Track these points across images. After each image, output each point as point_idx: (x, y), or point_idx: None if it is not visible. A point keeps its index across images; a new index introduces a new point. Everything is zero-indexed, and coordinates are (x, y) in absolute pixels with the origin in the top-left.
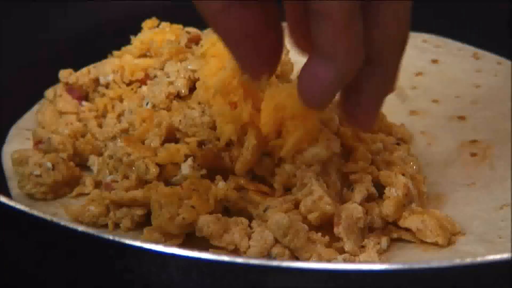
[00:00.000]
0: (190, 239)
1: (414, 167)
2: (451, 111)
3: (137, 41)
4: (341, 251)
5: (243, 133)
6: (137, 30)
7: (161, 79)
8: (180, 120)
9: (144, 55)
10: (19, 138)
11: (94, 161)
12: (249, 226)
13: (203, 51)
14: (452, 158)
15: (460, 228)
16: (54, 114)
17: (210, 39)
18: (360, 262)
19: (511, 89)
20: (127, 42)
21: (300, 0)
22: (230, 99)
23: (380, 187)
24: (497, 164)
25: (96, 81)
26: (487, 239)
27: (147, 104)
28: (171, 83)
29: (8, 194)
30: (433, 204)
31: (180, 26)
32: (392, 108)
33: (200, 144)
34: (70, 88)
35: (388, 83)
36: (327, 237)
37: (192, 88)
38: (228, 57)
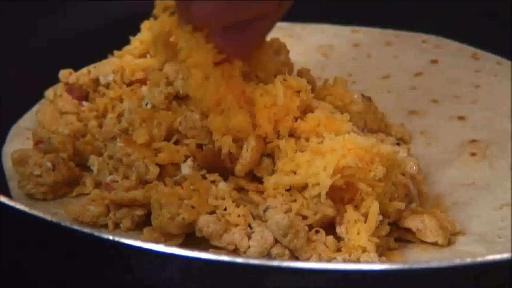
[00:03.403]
0: (190, 239)
1: (414, 167)
2: (451, 111)
3: (137, 41)
4: (341, 251)
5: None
6: (137, 30)
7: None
8: (180, 122)
9: (144, 56)
10: (19, 138)
11: (94, 161)
12: (249, 226)
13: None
14: (452, 158)
15: (460, 228)
16: (54, 114)
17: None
18: (360, 262)
19: (511, 89)
20: (127, 42)
21: None
22: (222, 107)
23: None
24: (497, 164)
25: (96, 81)
26: (487, 239)
27: (146, 104)
28: (170, 83)
29: (8, 194)
30: (433, 204)
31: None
32: (392, 108)
33: (200, 145)
34: (70, 88)
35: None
36: (327, 237)
37: None
38: (211, 67)
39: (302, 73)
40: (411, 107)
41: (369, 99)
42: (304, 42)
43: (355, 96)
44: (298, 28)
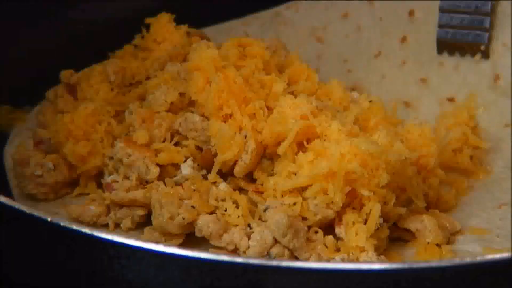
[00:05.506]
0: (190, 239)
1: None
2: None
3: (139, 41)
4: (340, 250)
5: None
6: (138, 30)
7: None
8: (180, 123)
9: (145, 56)
10: (20, 138)
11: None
12: (249, 226)
13: (190, 65)
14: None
15: (460, 227)
16: (55, 114)
17: (198, 54)
18: (359, 261)
19: (510, 89)
20: (128, 42)
21: None
22: (223, 113)
23: None
24: (496, 164)
25: None
26: (486, 239)
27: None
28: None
29: (9, 194)
30: (433, 204)
31: (185, 27)
32: (388, 100)
33: (199, 147)
34: (71, 89)
35: None
36: (326, 237)
37: None
38: (212, 72)
39: (301, 73)
40: (405, 97)
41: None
42: (297, 28)
43: (355, 97)
44: (291, 12)
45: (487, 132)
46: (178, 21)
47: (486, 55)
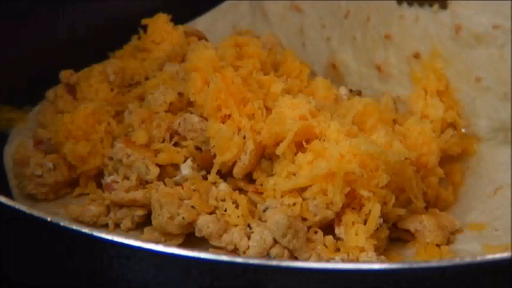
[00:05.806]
0: (190, 239)
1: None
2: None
3: (138, 42)
4: (340, 251)
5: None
6: (137, 30)
7: (160, 80)
8: (179, 123)
9: (144, 57)
10: (20, 138)
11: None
12: (249, 226)
13: (189, 66)
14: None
15: (459, 225)
16: (55, 114)
17: (196, 54)
18: (359, 261)
19: (511, 68)
20: (127, 42)
21: None
22: (222, 113)
23: None
24: (481, 129)
25: None
26: (485, 235)
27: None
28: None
29: (9, 194)
30: (432, 203)
31: (183, 26)
32: (363, 63)
33: (198, 148)
34: (71, 89)
35: None
36: (326, 237)
37: None
38: (211, 72)
39: (292, 71)
40: (376, 60)
41: (359, 93)
42: (278, 2)
43: (342, 93)
44: None
45: (459, 91)
46: (177, 16)
47: (443, 5)
